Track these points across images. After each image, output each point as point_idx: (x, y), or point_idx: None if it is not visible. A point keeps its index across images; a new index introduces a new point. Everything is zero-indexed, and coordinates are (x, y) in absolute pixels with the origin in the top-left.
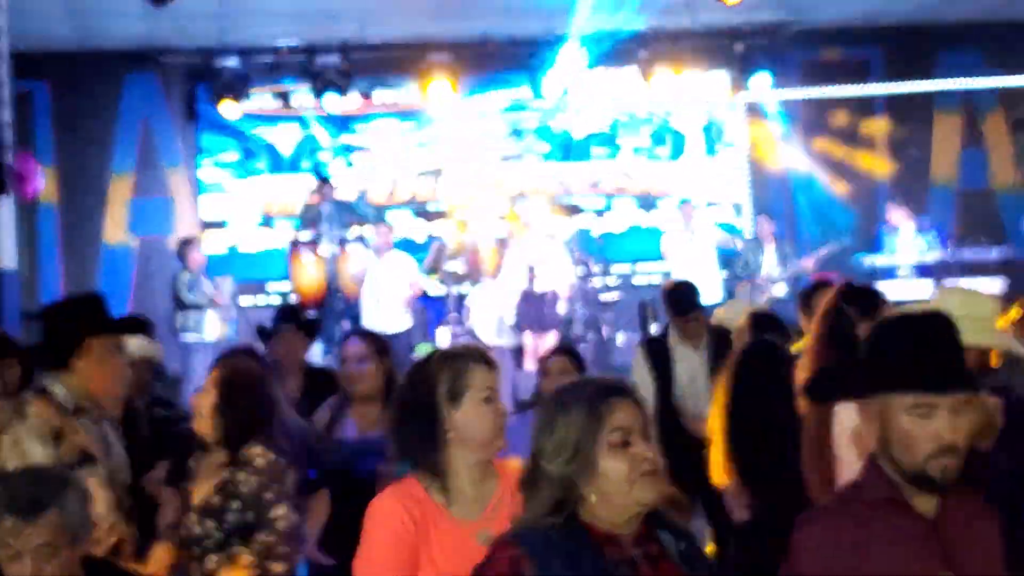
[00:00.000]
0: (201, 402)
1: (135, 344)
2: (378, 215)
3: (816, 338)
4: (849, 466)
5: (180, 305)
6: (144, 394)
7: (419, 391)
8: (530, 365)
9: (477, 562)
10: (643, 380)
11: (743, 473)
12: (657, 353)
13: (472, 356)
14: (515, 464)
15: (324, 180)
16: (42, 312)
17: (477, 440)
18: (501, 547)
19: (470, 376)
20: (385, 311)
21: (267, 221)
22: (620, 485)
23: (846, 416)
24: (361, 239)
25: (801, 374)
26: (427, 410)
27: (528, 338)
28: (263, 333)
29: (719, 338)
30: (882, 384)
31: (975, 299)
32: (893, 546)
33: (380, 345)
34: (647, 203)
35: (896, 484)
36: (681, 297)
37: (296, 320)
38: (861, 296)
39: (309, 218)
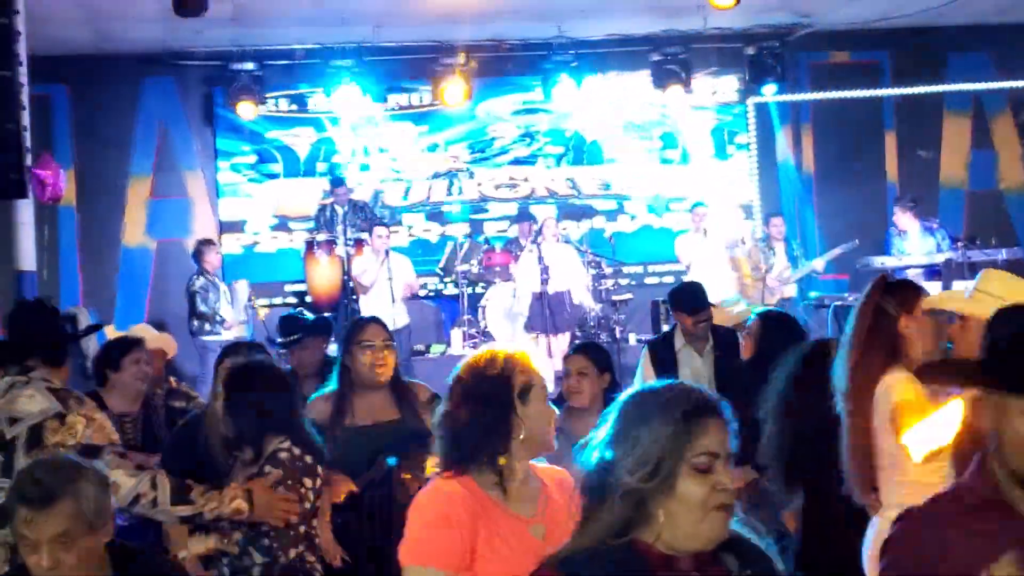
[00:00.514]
0: (214, 404)
1: (149, 335)
2: (392, 217)
3: (856, 332)
4: (888, 453)
5: (194, 313)
6: (159, 385)
7: (493, 387)
8: (543, 365)
9: (536, 553)
10: (648, 379)
11: (799, 478)
12: (662, 355)
13: (531, 353)
14: (549, 469)
15: (339, 182)
16: (31, 311)
17: (542, 436)
18: (542, 572)
19: (534, 375)
20: (384, 310)
21: (283, 223)
22: (692, 512)
23: (883, 399)
24: (367, 240)
25: (839, 369)
26: (501, 406)
27: (541, 339)
28: (285, 344)
29: (726, 342)
30: (1000, 384)
31: (1017, 285)
32: (989, 547)
33: (391, 334)
34: (658, 205)
35: (1001, 484)
36: (687, 297)
37: (309, 328)
38: (901, 289)
39: (324, 220)
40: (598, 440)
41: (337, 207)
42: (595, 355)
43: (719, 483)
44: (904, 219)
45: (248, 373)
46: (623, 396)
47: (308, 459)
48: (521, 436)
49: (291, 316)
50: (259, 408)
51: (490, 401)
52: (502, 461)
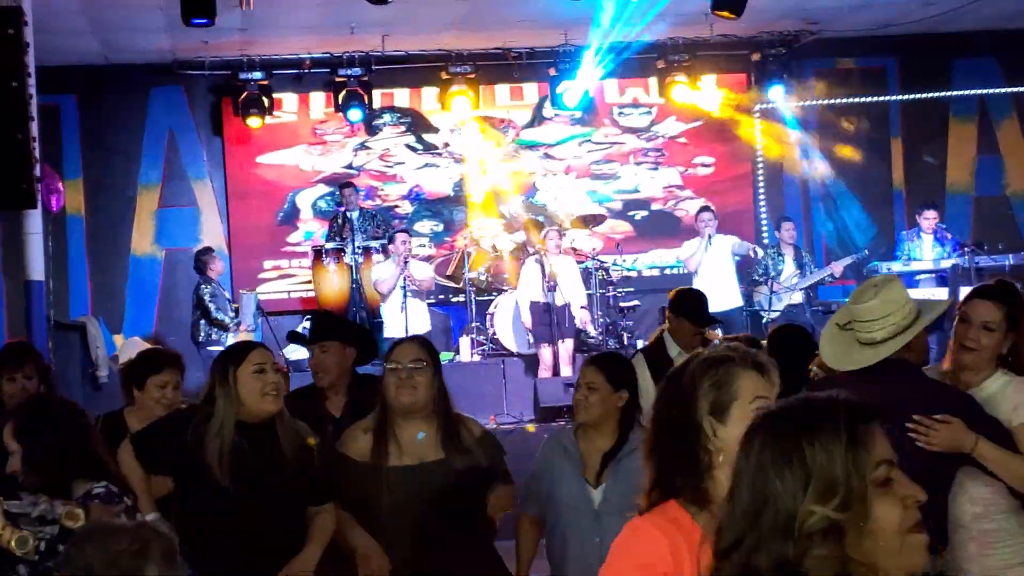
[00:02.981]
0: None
1: (133, 345)
2: (402, 224)
3: None
4: None
5: (208, 320)
6: None
7: (677, 405)
8: (547, 373)
9: None
10: (646, 389)
11: None
12: (658, 363)
13: (737, 360)
14: None
15: (346, 184)
16: None
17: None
18: None
19: (737, 384)
20: (402, 318)
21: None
22: (890, 540)
23: None
24: (382, 248)
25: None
26: (687, 428)
27: (546, 347)
28: (298, 339)
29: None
30: None
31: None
32: None
33: (433, 352)
34: (666, 211)
35: None
36: (700, 308)
37: (340, 332)
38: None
39: (336, 227)
40: (739, 479)
41: (350, 214)
42: (610, 369)
43: (907, 496)
44: (927, 221)
45: (39, 413)
46: (755, 421)
47: (127, 500)
48: (717, 463)
49: (321, 314)
50: (60, 452)
51: (674, 423)
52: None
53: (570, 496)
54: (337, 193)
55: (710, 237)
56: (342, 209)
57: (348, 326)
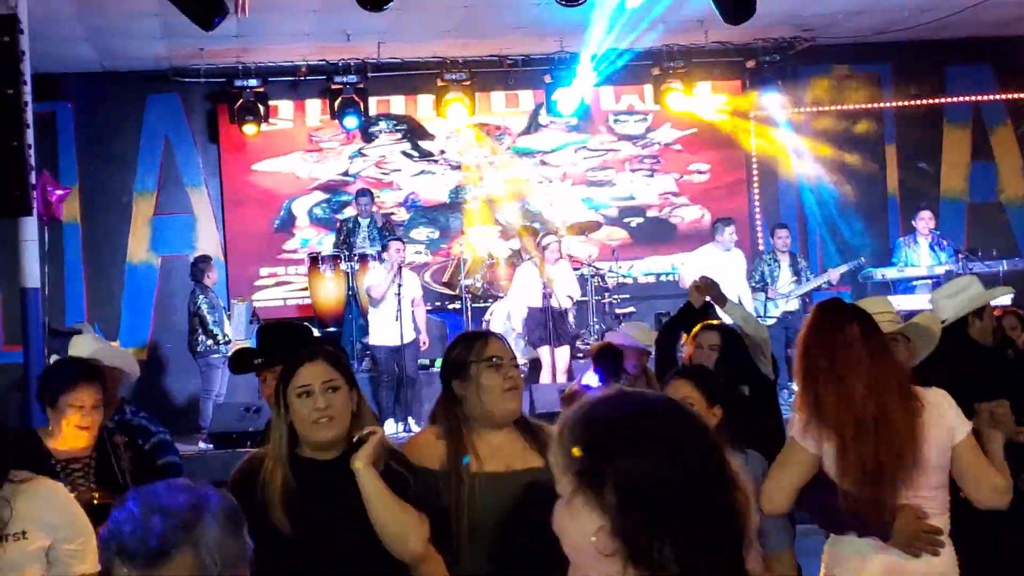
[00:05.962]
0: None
1: (97, 350)
2: (398, 232)
3: None
4: None
5: (204, 331)
6: (113, 414)
7: None
8: (546, 379)
9: None
10: None
11: None
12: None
13: None
14: None
15: (363, 192)
16: None
17: None
18: None
19: None
20: (391, 324)
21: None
22: None
23: None
24: (378, 255)
25: None
26: None
27: (544, 352)
28: (245, 366)
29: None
30: None
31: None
32: None
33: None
34: (661, 218)
35: None
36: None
37: (275, 357)
38: None
39: (346, 231)
40: None
41: (361, 220)
42: (705, 383)
43: None
44: (924, 224)
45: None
46: None
47: None
48: None
49: (265, 327)
50: None
51: None
52: None
53: None
54: (334, 200)
55: (730, 247)
56: (354, 214)
57: (288, 342)
